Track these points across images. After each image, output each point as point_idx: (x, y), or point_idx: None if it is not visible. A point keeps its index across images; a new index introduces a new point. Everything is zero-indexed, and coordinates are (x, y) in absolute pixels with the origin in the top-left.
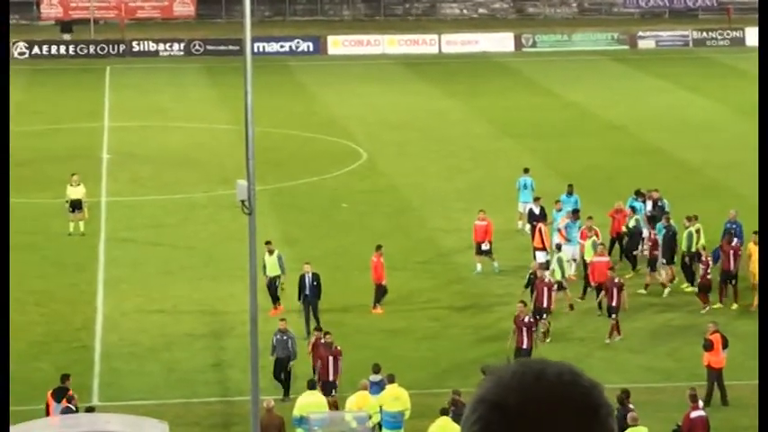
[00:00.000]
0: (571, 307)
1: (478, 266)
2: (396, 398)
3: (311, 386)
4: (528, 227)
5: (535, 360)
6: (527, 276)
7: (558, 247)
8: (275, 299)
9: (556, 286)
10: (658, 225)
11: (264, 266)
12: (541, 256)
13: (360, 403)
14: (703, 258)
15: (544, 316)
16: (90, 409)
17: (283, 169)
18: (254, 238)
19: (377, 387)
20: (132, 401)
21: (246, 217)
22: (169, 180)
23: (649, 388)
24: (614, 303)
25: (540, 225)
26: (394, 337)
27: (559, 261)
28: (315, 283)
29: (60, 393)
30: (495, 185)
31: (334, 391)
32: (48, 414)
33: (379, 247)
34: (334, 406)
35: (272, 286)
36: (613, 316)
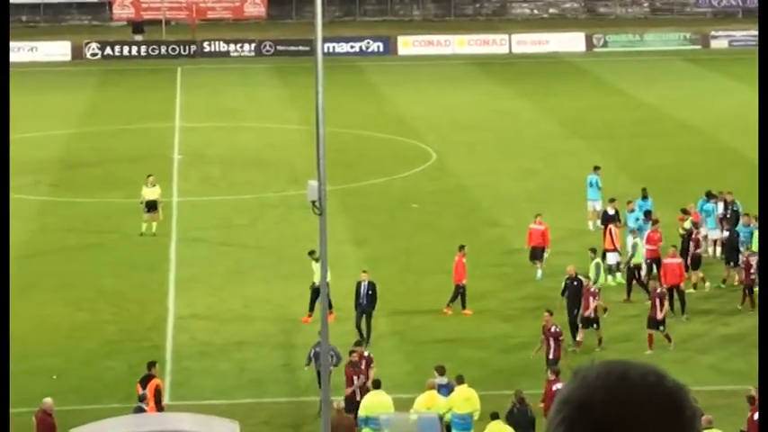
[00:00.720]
0: (604, 310)
1: (539, 273)
2: (466, 399)
3: (376, 386)
4: (600, 225)
5: (620, 361)
6: (563, 282)
7: (594, 252)
8: (312, 307)
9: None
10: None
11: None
12: (612, 258)
13: (428, 403)
14: (743, 259)
15: (594, 326)
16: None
17: (353, 170)
18: (324, 239)
19: (444, 390)
20: (203, 401)
21: (317, 217)
22: (240, 180)
23: (722, 391)
24: (659, 316)
25: (611, 226)
26: (463, 338)
27: (597, 267)
28: (370, 292)
29: (146, 380)
30: (565, 186)
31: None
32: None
33: (461, 248)
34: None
35: (316, 293)
36: (661, 328)
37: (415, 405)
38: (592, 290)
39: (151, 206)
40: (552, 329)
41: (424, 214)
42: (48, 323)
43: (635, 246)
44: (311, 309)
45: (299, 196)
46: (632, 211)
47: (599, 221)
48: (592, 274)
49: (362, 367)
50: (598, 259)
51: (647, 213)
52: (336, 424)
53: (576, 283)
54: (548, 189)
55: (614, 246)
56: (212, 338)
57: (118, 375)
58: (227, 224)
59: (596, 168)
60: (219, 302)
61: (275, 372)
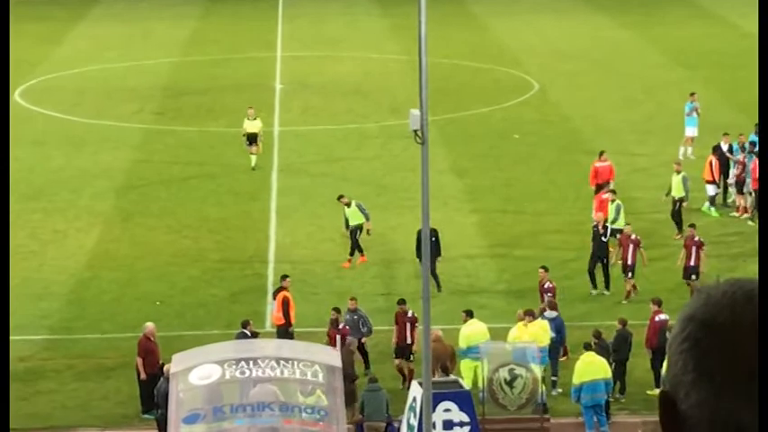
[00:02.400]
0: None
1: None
2: (545, 331)
3: (469, 314)
4: (687, 150)
5: (747, 280)
6: (591, 230)
7: (614, 192)
8: (353, 250)
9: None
10: None
11: (346, 220)
12: (711, 189)
13: (521, 335)
14: None
15: (629, 275)
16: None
17: (454, 100)
18: (426, 168)
19: (553, 324)
20: (304, 328)
21: (417, 147)
22: (341, 110)
23: None
24: (693, 263)
25: (712, 158)
26: (559, 269)
27: (618, 208)
28: (433, 239)
29: (277, 292)
30: (667, 116)
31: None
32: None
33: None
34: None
35: (354, 236)
36: (693, 277)
37: (508, 338)
38: (633, 237)
39: (252, 139)
40: (546, 285)
41: (525, 145)
42: (151, 250)
43: (684, 179)
44: (351, 253)
45: (400, 126)
46: (743, 144)
47: (689, 149)
48: (611, 216)
49: (408, 328)
50: (618, 201)
51: (753, 144)
52: (439, 353)
53: (602, 230)
54: (650, 120)
55: (713, 178)
56: (312, 267)
57: (219, 302)
58: (327, 153)
59: (692, 95)
60: (320, 231)
61: (376, 301)
